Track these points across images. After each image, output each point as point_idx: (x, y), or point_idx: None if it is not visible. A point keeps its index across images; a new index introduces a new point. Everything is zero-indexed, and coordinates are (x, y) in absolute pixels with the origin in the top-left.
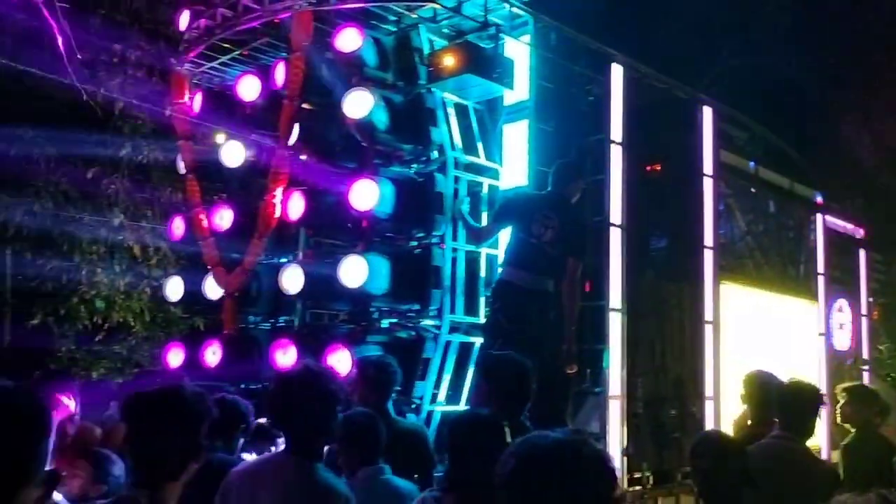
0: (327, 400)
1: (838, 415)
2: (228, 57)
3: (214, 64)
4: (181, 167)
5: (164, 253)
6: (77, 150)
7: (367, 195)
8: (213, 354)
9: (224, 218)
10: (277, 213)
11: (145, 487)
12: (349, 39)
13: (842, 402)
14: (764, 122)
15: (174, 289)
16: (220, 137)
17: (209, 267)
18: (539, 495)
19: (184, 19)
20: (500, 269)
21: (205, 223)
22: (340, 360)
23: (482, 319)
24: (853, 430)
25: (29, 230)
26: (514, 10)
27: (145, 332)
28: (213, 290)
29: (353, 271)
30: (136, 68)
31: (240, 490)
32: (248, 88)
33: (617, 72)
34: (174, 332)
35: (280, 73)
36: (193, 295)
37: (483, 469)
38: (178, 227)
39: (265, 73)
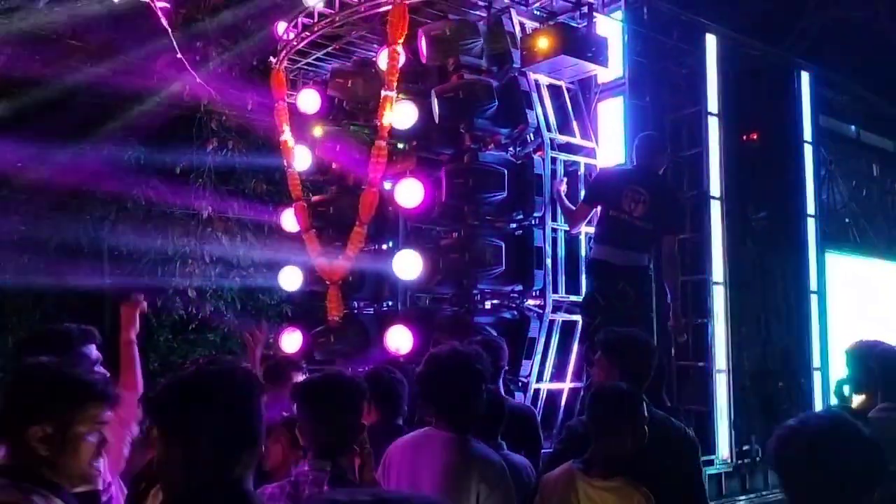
0: (476, 379)
1: None
2: (323, 52)
3: (310, 60)
4: (284, 162)
5: (250, 242)
6: (165, 149)
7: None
8: (325, 339)
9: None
10: (376, 202)
11: (327, 458)
12: (441, 28)
13: None
14: (860, 80)
15: (290, 278)
16: (317, 131)
17: (313, 257)
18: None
19: (281, 26)
20: (591, 248)
21: (307, 215)
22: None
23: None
24: None
25: (123, 225)
26: None
27: (237, 321)
28: (312, 277)
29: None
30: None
31: (400, 463)
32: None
33: (711, 42)
34: (264, 320)
35: (382, 63)
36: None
37: (623, 441)
38: (288, 219)
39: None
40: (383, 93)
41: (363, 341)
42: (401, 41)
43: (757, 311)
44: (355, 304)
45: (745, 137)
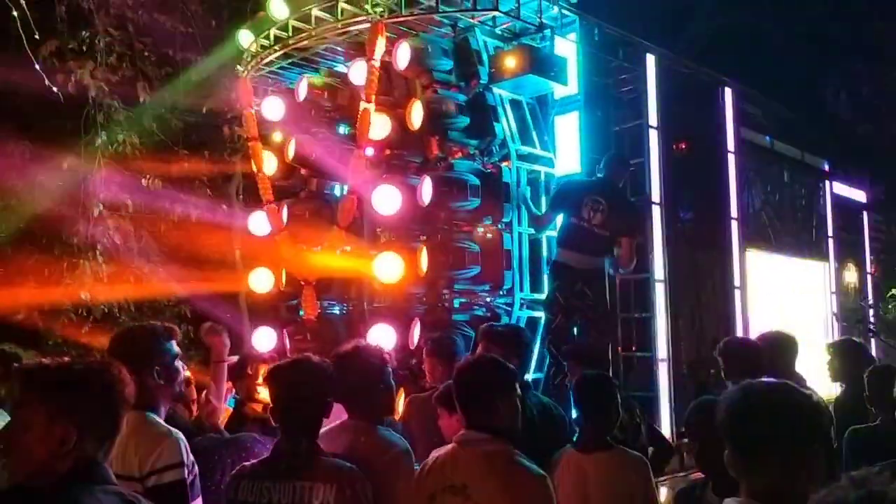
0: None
1: (829, 372)
2: (289, 61)
3: (273, 68)
4: (253, 166)
5: (144, 241)
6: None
7: (431, 190)
8: (301, 338)
9: (293, 212)
10: (355, 207)
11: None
12: (408, 51)
13: (829, 358)
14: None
15: (260, 280)
16: (276, 136)
17: (284, 256)
18: (763, 432)
19: (245, 37)
20: (557, 251)
21: (279, 218)
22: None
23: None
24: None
25: (7, 223)
26: (563, 11)
27: (132, 322)
28: (284, 278)
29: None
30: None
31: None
32: (305, 89)
33: (651, 61)
34: (163, 321)
35: (356, 76)
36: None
37: (610, 417)
38: (257, 221)
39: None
40: (362, 105)
41: (336, 340)
42: (377, 57)
43: (691, 305)
44: (324, 304)
45: (675, 146)
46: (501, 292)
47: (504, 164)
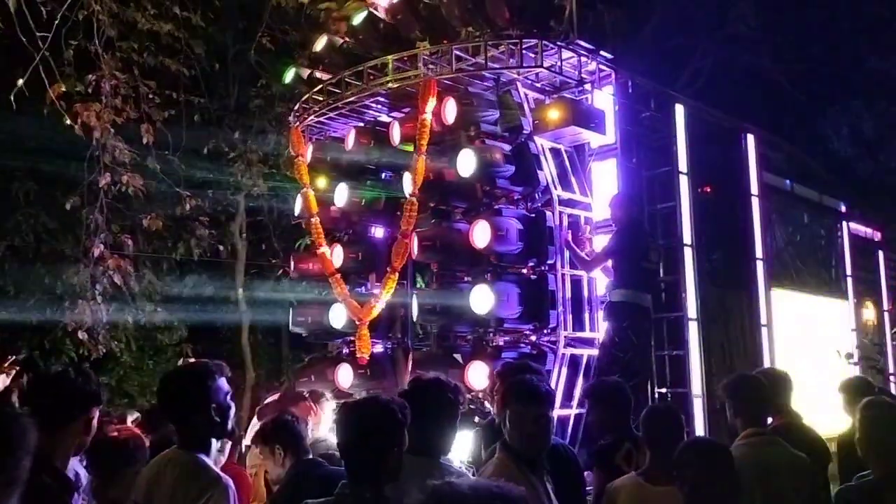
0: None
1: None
2: (336, 112)
3: (319, 117)
4: (302, 212)
5: (148, 281)
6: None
7: (485, 233)
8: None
9: (340, 256)
10: (408, 251)
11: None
12: (455, 106)
13: (840, 394)
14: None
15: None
16: (321, 182)
17: (340, 299)
18: None
19: (290, 74)
20: (619, 291)
21: (330, 260)
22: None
23: (587, 333)
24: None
25: (10, 264)
26: (601, 66)
27: (132, 362)
28: (338, 319)
29: (483, 299)
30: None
31: None
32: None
33: (679, 111)
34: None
35: (396, 131)
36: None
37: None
38: (300, 264)
39: (375, 127)
40: (415, 155)
41: (386, 377)
42: (429, 111)
43: (721, 342)
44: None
45: (700, 190)
46: (546, 331)
47: (546, 209)
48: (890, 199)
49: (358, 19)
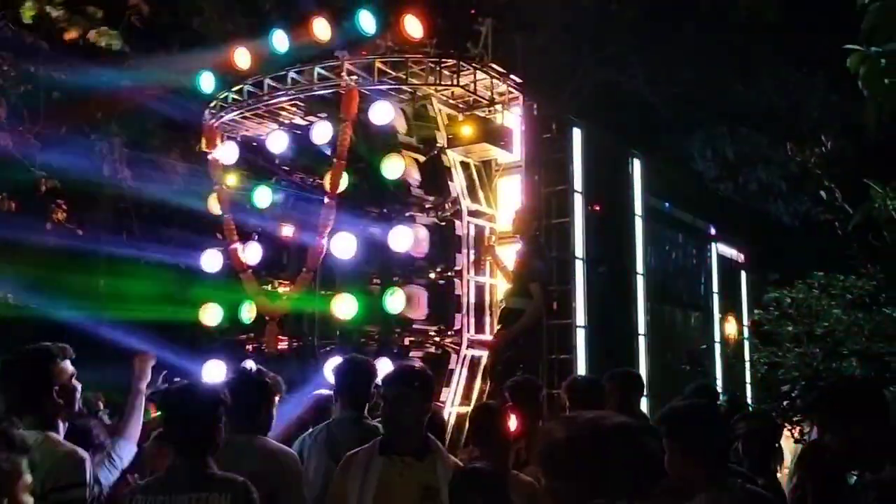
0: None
1: None
2: (250, 112)
3: (235, 116)
4: (216, 208)
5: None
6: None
7: (405, 239)
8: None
9: (254, 253)
10: (323, 252)
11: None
12: (385, 112)
13: None
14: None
15: (211, 314)
16: (231, 180)
17: (250, 295)
18: None
19: (207, 81)
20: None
21: (242, 258)
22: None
23: (488, 336)
24: None
25: None
26: (510, 88)
27: None
28: (248, 313)
29: (396, 301)
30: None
31: None
32: (279, 142)
33: (577, 134)
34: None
35: (319, 134)
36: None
37: None
38: (210, 260)
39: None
40: (335, 161)
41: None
42: (351, 118)
43: (607, 348)
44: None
45: (590, 207)
46: (450, 333)
47: (455, 218)
48: (752, 221)
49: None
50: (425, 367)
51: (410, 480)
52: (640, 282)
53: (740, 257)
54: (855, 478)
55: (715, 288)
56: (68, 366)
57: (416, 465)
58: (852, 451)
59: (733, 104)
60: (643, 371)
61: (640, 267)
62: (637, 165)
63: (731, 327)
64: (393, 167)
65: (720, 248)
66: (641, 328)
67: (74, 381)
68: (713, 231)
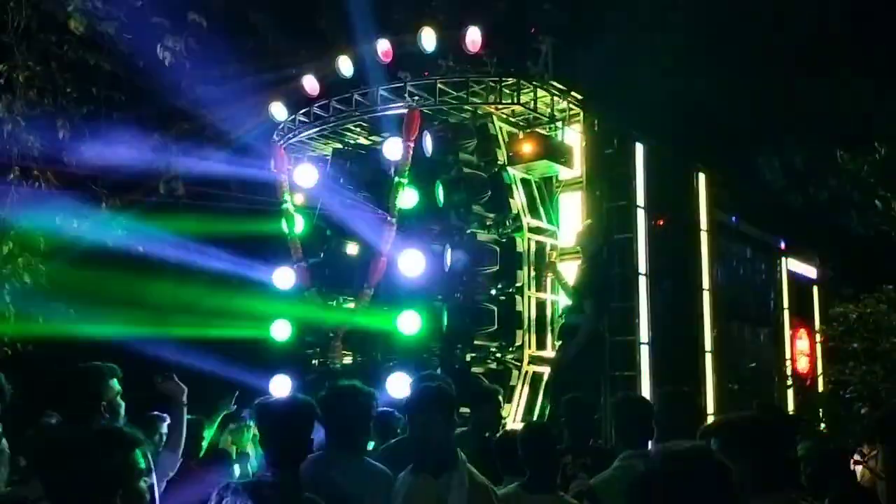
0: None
1: None
2: (317, 132)
3: (303, 137)
4: (286, 228)
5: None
6: None
7: (460, 257)
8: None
9: (320, 271)
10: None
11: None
12: (430, 140)
13: None
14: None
15: (280, 330)
16: (298, 199)
17: (316, 311)
18: None
19: (278, 110)
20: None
21: (308, 275)
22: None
23: (549, 352)
24: None
25: None
26: (571, 105)
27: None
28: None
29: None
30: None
31: None
32: (307, 175)
33: (639, 150)
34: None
35: (389, 150)
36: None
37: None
38: (282, 277)
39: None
40: (396, 179)
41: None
42: (413, 138)
43: (671, 367)
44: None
45: (654, 222)
46: (511, 349)
47: (517, 234)
48: (823, 234)
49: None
50: (443, 384)
51: (425, 496)
52: (706, 298)
53: (812, 271)
54: None
55: (785, 304)
56: (115, 384)
57: (432, 482)
58: None
59: (802, 114)
60: (710, 388)
61: (706, 283)
62: (702, 179)
63: (802, 344)
64: (450, 188)
65: (790, 263)
66: (707, 345)
67: (119, 399)
68: (783, 245)
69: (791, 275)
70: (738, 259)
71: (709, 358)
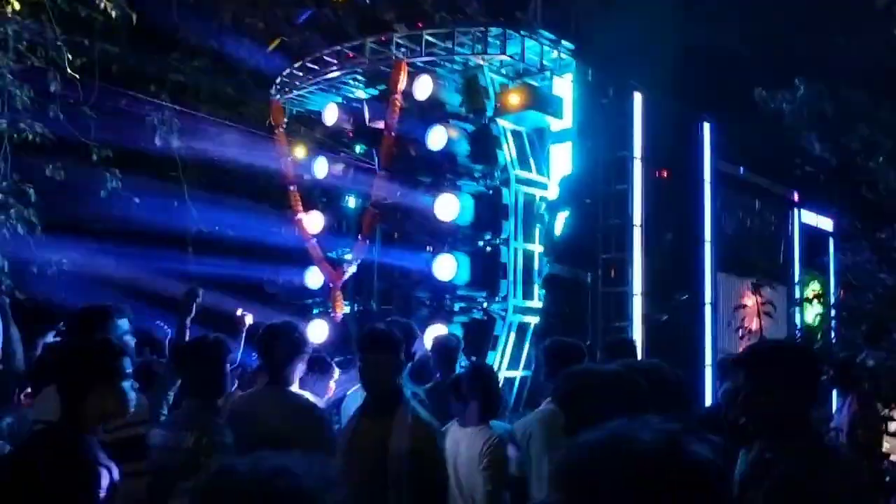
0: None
1: None
2: (315, 87)
3: (302, 92)
4: (285, 180)
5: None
6: None
7: (450, 207)
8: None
9: (318, 222)
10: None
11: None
12: (426, 86)
13: None
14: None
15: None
16: (299, 152)
17: (315, 263)
18: None
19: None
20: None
21: (307, 227)
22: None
23: (535, 303)
24: None
25: None
26: (562, 55)
27: None
28: (315, 280)
29: (445, 267)
30: None
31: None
32: (333, 115)
33: (637, 99)
34: None
35: (370, 109)
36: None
37: None
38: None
39: (348, 103)
40: (385, 132)
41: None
42: (400, 91)
43: (667, 317)
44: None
45: (657, 173)
46: (497, 299)
47: (504, 186)
48: (844, 187)
49: None
50: (391, 327)
51: (371, 436)
52: (707, 249)
53: (828, 225)
54: None
55: (797, 258)
56: (125, 323)
57: (378, 421)
58: None
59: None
60: (707, 340)
61: (707, 234)
62: (707, 131)
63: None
64: (437, 138)
65: (804, 215)
66: (707, 297)
67: (127, 337)
68: (796, 197)
69: (804, 228)
70: (745, 211)
71: (708, 310)
